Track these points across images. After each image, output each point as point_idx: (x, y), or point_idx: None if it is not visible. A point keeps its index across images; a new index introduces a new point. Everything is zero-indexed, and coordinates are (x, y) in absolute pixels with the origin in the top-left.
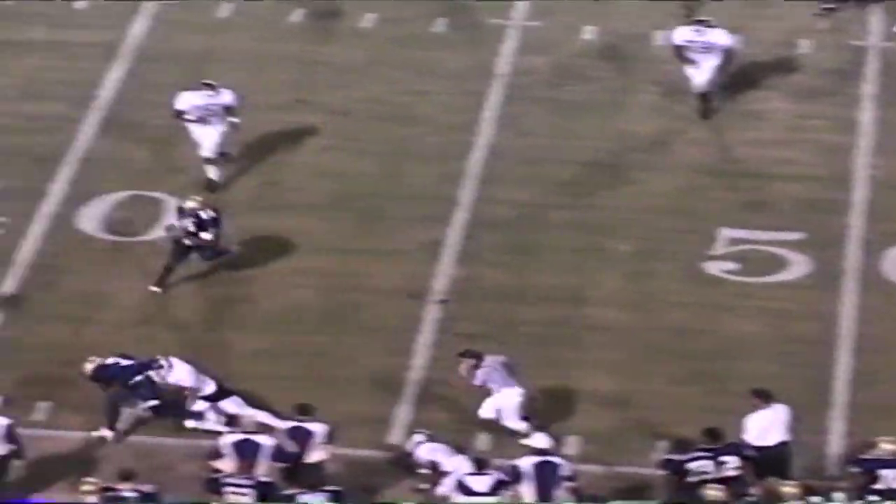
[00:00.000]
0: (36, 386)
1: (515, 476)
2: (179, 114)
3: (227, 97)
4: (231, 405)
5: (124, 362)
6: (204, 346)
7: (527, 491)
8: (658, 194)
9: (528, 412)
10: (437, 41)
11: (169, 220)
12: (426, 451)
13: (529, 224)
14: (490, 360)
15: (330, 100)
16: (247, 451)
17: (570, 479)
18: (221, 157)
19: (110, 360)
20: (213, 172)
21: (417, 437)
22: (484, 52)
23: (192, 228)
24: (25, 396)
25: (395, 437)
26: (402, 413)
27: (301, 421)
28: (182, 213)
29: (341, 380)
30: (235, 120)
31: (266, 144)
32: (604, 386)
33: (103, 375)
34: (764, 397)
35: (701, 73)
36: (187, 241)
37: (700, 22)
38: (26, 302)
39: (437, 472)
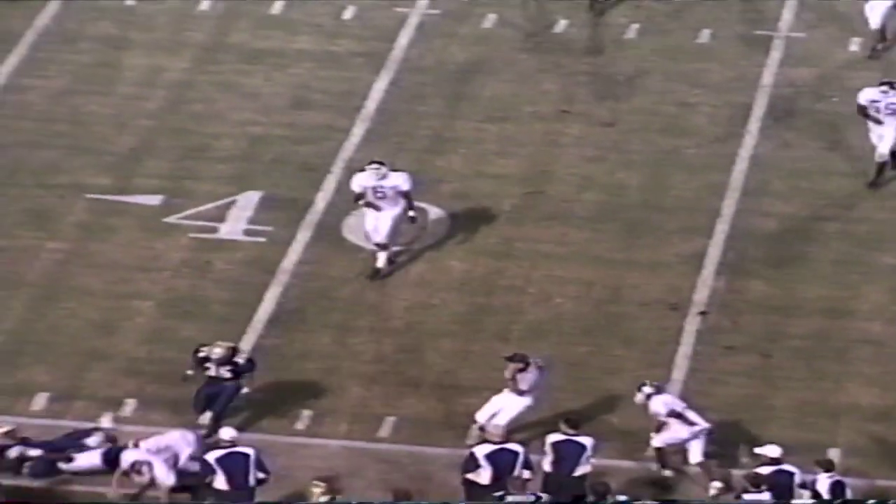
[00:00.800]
0: (299, 394)
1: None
2: (358, 197)
3: (398, 180)
4: None
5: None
6: (465, 355)
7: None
8: None
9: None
10: (702, 52)
11: (189, 370)
12: (660, 402)
13: (793, 236)
14: (534, 367)
15: (595, 110)
16: (503, 462)
17: (803, 486)
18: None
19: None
20: (381, 261)
21: (647, 389)
22: (749, 64)
23: (229, 376)
24: (288, 404)
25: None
26: None
27: (572, 435)
28: (210, 361)
29: (601, 390)
30: (413, 214)
31: (531, 154)
32: (868, 399)
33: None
34: None
35: (883, 140)
36: (215, 391)
37: (889, 83)
38: (290, 310)
39: (679, 418)
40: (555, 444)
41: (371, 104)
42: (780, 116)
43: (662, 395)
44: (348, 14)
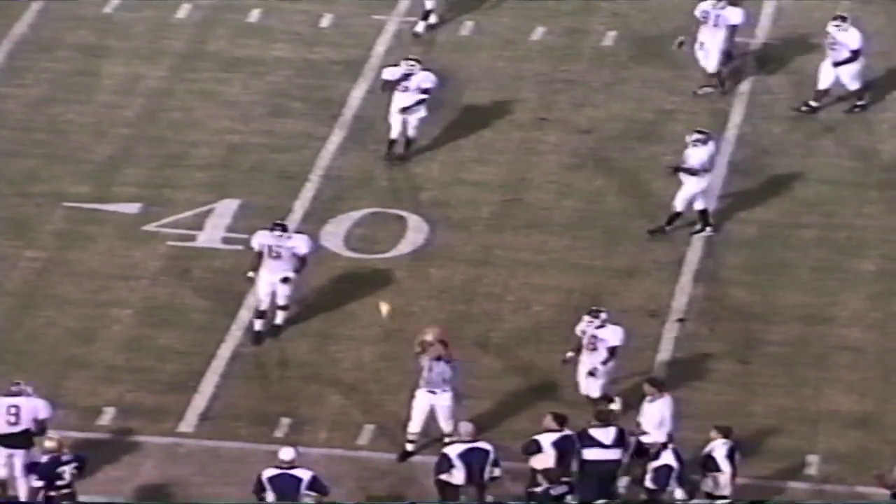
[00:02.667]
0: (278, 402)
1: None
2: (258, 255)
3: (298, 242)
4: None
5: None
6: None
7: None
8: None
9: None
10: (680, 59)
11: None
12: (614, 332)
13: (772, 243)
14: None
15: (573, 118)
16: (476, 461)
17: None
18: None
19: None
20: (280, 318)
21: (604, 315)
22: (727, 71)
23: (67, 479)
24: (267, 412)
25: None
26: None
27: (562, 431)
28: (58, 463)
29: (581, 397)
30: (290, 275)
31: (509, 162)
32: (847, 406)
33: None
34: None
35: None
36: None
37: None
38: (268, 318)
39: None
40: (555, 443)
41: (349, 112)
42: (757, 123)
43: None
44: (326, 22)
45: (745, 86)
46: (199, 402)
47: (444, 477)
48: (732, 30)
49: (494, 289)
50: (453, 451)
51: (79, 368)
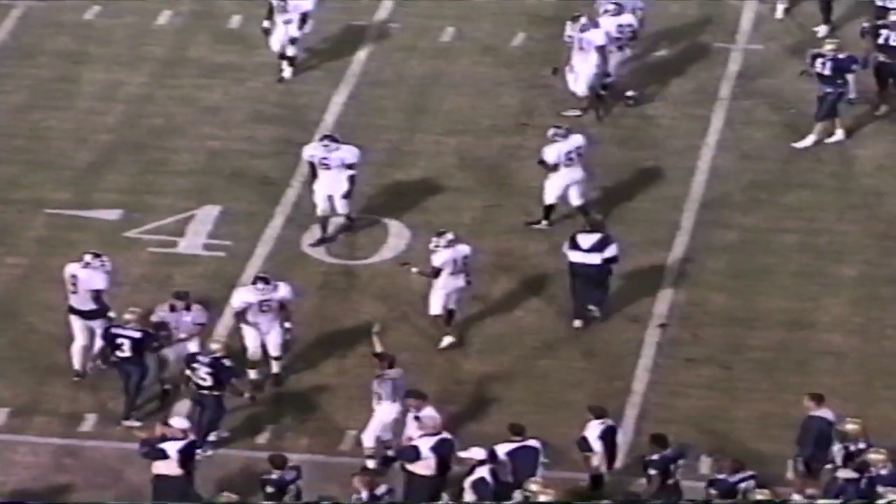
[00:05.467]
0: (259, 408)
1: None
2: (240, 315)
3: (284, 292)
4: None
5: None
6: (427, 368)
7: None
8: (885, 219)
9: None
10: (661, 64)
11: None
12: (448, 255)
13: (753, 248)
14: (392, 373)
15: (554, 123)
16: (446, 451)
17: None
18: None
19: None
20: (276, 367)
21: (449, 236)
22: (708, 76)
23: (126, 352)
24: (249, 418)
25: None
26: (622, 437)
27: (521, 441)
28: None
29: (563, 403)
30: (289, 326)
31: (489, 167)
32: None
33: None
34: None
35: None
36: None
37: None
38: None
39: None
40: (510, 453)
41: (330, 118)
42: (738, 128)
43: (457, 248)
44: (307, 28)
45: (725, 91)
46: (182, 408)
47: (411, 468)
48: (601, 50)
49: (476, 294)
50: (425, 444)
51: (60, 375)
